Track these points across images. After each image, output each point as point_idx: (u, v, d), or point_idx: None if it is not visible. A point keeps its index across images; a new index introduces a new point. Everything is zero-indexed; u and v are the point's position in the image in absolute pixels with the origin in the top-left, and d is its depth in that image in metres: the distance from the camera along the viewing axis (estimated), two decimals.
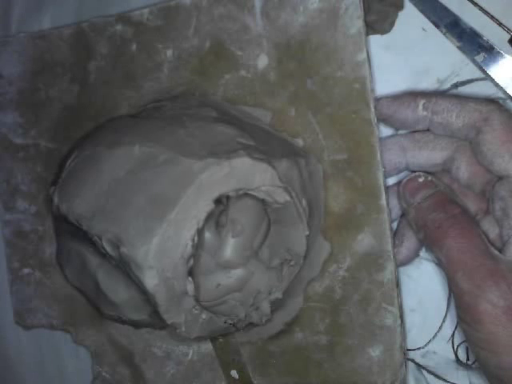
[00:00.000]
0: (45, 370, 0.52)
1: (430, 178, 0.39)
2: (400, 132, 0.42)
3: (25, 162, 0.47)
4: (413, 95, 0.39)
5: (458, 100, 0.38)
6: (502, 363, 0.35)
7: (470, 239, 0.36)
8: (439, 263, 0.38)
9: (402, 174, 0.43)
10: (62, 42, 0.44)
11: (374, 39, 0.43)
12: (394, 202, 0.41)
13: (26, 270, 0.48)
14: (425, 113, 0.38)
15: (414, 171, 0.40)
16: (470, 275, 0.35)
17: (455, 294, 0.36)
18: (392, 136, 0.42)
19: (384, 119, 0.40)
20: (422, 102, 0.38)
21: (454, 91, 0.43)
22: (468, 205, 0.40)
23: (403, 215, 0.42)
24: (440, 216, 0.37)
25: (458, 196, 0.40)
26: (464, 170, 0.39)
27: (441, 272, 0.43)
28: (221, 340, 0.44)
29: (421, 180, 0.39)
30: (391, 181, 0.43)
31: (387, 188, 0.40)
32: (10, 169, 0.47)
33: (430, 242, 0.38)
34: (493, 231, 0.38)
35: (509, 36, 0.41)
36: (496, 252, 0.36)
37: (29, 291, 0.48)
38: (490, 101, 0.38)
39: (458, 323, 0.42)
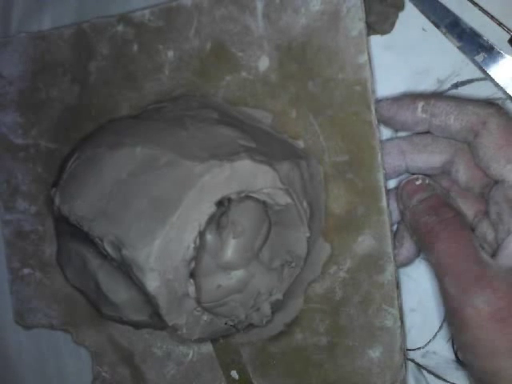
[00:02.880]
0: (45, 369, 0.52)
1: (427, 181, 0.39)
2: (399, 134, 0.42)
3: (25, 162, 0.47)
4: (412, 97, 0.39)
5: (457, 102, 0.38)
6: (485, 367, 0.35)
7: (459, 243, 0.36)
8: (431, 266, 0.38)
9: (403, 177, 0.42)
10: (62, 42, 0.44)
11: (374, 39, 0.43)
12: (395, 206, 0.41)
13: (26, 270, 0.48)
14: (424, 115, 0.38)
15: (415, 173, 0.40)
16: (457, 280, 0.35)
17: (443, 297, 0.37)
18: (391, 139, 0.42)
19: (384, 121, 0.40)
20: (420, 104, 0.38)
21: (454, 91, 0.43)
22: (467, 206, 0.40)
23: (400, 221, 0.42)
24: (432, 219, 0.37)
25: (455, 200, 0.40)
26: (462, 173, 0.39)
27: None
28: (221, 341, 0.44)
29: (418, 183, 0.39)
30: (392, 183, 0.43)
31: (388, 190, 0.40)
32: (10, 169, 0.47)
33: (422, 244, 0.38)
34: (490, 233, 0.38)
35: (509, 36, 0.41)
36: (486, 257, 0.36)
37: (29, 291, 0.48)
38: (489, 104, 0.38)
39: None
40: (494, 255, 0.37)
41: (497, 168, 0.36)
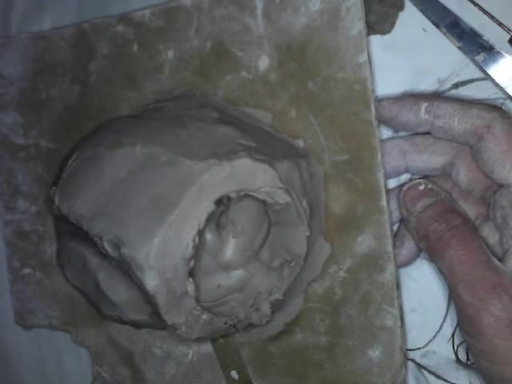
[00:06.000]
0: (45, 369, 0.52)
1: (430, 186, 0.39)
2: (400, 134, 0.42)
3: (25, 162, 0.47)
4: (415, 98, 0.39)
5: (461, 105, 0.37)
6: (504, 374, 0.35)
7: (471, 250, 0.36)
8: (441, 274, 0.37)
9: (403, 177, 0.43)
10: (63, 42, 0.44)
11: (374, 39, 0.43)
12: (395, 205, 0.41)
13: (26, 270, 0.48)
14: (426, 116, 0.38)
15: (414, 174, 0.40)
16: (472, 287, 0.35)
17: (457, 305, 0.36)
18: (391, 138, 0.42)
19: (385, 121, 0.40)
20: (424, 105, 0.38)
21: (455, 92, 0.43)
22: (468, 208, 0.40)
23: (402, 220, 0.42)
24: (441, 227, 0.37)
25: (458, 203, 0.39)
26: (463, 175, 0.39)
27: None
28: (221, 341, 0.44)
29: (421, 188, 0.39)
30: (391, 182, 0.43)
31: (388, 189, 0.40)
32: (10, 169, 0.47)
33: (431, 252, 0.38)
34: (493, 237, 0.38)
35: (509, 36, 0.41)
36: (498, 263, 0.36)
37: (29, 291, 0.48)
38: (494, 107, 0.37)
39: (457, 326, 0.42)
40: (500, 260, 0.36)
41: (502, 172, 0.36)
